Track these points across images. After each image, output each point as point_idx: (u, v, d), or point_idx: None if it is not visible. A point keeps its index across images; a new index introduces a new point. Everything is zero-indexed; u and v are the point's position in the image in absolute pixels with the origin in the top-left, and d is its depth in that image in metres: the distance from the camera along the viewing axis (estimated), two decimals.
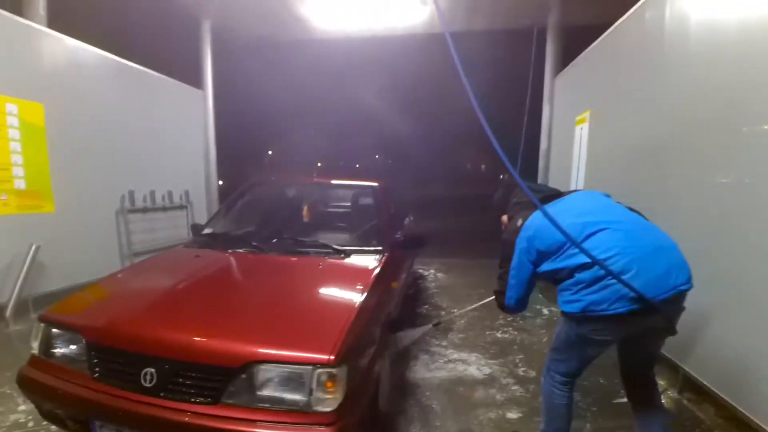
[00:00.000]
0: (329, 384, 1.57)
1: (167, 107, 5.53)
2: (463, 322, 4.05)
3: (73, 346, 1.85)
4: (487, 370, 3.12)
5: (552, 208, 1.79)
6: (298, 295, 2.10)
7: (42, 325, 1.91)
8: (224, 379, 1.59)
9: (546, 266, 1.82)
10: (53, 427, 2.09)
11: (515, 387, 2.89)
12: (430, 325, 3.07)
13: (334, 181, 3.48)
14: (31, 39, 3.84)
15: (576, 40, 5.34)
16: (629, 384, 2.02)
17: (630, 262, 1.60)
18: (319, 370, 1.56)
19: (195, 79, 6.10)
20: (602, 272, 1.60)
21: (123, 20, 5.85)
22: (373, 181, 3.41)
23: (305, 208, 3.32)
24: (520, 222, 1.93)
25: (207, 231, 3.03)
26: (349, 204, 3.53)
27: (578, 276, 1.69)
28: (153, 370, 1.63)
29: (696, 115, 2.58)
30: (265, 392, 1.59)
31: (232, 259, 2.55)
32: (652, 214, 2.85)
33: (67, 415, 1.79)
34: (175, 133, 5.68)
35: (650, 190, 3.01)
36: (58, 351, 1.88)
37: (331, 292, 2.15)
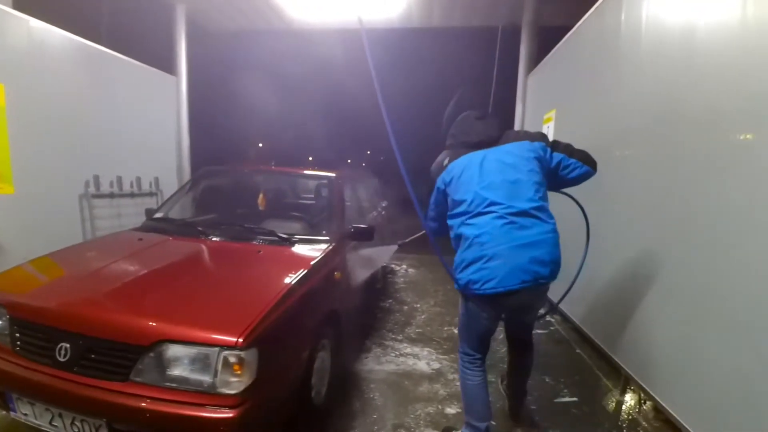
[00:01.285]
0: (236, 367, 1.61)
1: (137, 92, 5.51)
2: (423, 317, 4.09)
3: None
4: (436, 365, 3.16)
5: (473, 160, 1.96)
6: (226, 278, 2.14)
7: None
8: (134, 357, 1.63)
9: (448, 219, 2.05)
10: None
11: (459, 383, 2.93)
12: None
13: (289, 170, 3.50)
14: None
15: (554, 39, 5.40)
16: (510, 344, 2.41)
17: (500, 252, 1.82)
18: (226, 352, 1.60)
19: (170, 66, 6.10)
20: (480, 254, 1.84)
21: (94, 3, 5.84)
22: (330, 172, 3.44)
23: (260, 196, 3.34)
24: (446, 161, 2.04)
25: (158, 215, 3.06)
26: (302, 193, 3.56)
27: (462, 254, 1.94)
28: (68, 345, 1.68)
29: (644, 115, 2.63)
30: (174, 372, 1.63)
31: (173, 243, 2.58)
32: (603, 213, 2.92)
33: None
34: (145, 119, 5.67)
35: (603, 190, 3.02)
36: None
37: (261, 277, 2.19)
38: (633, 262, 2.74)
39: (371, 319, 3.93)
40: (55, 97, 4.43)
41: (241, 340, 1.60)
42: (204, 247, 2.53)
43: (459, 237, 1.97)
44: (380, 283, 4.94)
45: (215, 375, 1.60)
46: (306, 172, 3.47)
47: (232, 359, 1.60)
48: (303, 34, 5.91)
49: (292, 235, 2.68)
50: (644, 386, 2.50)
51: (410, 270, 5.97)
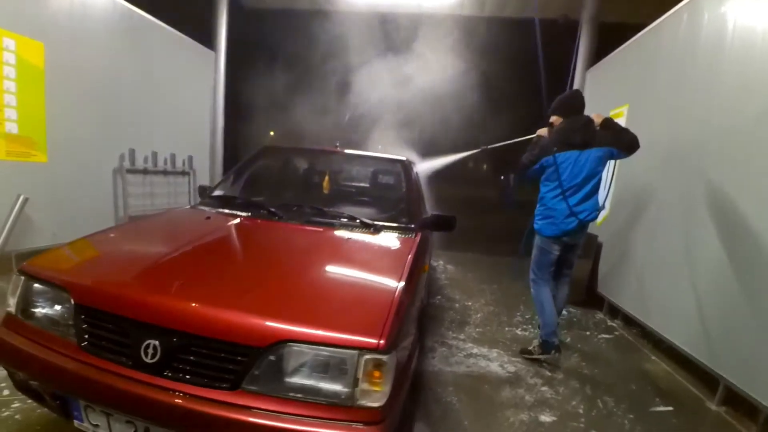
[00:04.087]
0: (377, 374, 1.24)
1: (177, 65, 5.07)
2: (479, 316, 3.73)
3: (57, 307, 1.49)
4: (511, 368, 2.82)
5: (570, 158, 2.79)
6: (331, 269, 1.75)
7: (21, 278, 1.54)
8: (248, 361, 1.24)
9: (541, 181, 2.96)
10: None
11: (544, 388, 2.60)
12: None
13: (357, 153, 3.10)
14: None
15: (608, 37, 5.09)
16: (555, 277, 3.09)
17: (563, 217, 2.82)
18: (367, 356, 1.23)
19: (207, 42, 5.65)
20: (553, 212, 2.85)
21: None
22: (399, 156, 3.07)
23: (326, 178, 2.95)
24: (555, 150, 2.82)
25: (217, 193, 2.66)
26: (373, 178, 3.17)
27: (542, 210, 2.93)
28: (156, 342, 1.28)
29: (735, 117, 2.50)
30: (297, 379, 1.26)
31: (249, 225, 2.18)
32: (687, 210, 2.95)
33: (44, 388, 1.43)
34: (182, 94, 5.23)
35: (679, 189, 3.05)
36: (39, 311, 1.51)
37: (368, 269, 1.80)
38: (723, 261, 2.53)
39: (424, 316, 3.57)
40: (95, 62, 4.00)
41: (382, 341, 1.23)
42: (286, 230, 2.13)
43: (543, 198, 2.93)
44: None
45: (355, 384, 1.23)
46: (376, 155, 3.08)
47: (374, 365, 1.23)
48: (348, 16, 5.45)
49: (375, 221, 2.29)
50: (754, 396, 2.22)
51: (449, 266, 5.58)
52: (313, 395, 1.24)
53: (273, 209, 2.29)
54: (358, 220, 2.25)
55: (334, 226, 2.22)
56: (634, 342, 3.46)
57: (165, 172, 4.94)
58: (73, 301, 1.41)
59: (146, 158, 4.64)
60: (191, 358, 1.28)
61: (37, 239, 3.65)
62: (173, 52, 5.02)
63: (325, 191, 2.94)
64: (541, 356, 2.91)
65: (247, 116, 5.92)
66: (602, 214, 4.07)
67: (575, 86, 5.05)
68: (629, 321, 3.69)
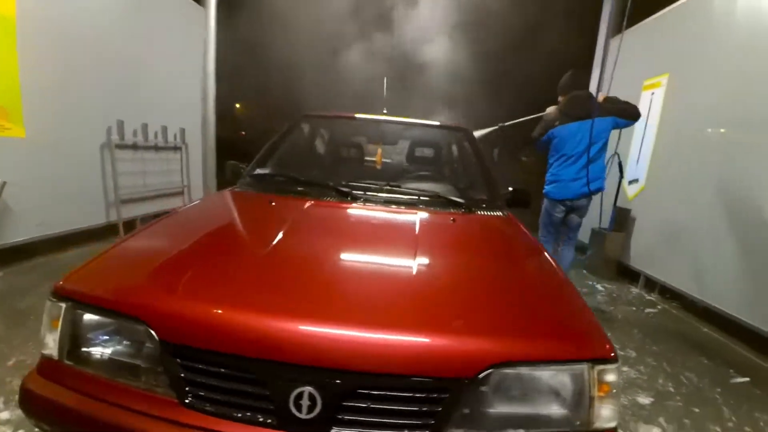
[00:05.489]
0: (607, 388, 0.96)
1: (163, 21, 4.34)
2: None
3: (128, 344, 1.01)
4: None
5: (572, 129, 3.00)
6: (479, 264, 1.41)
7: (62, 305, 1.02)
8: (451, 397, 0.90)
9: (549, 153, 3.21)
10: None
11: (625, 368, 2.47)
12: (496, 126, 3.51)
13: (411, 121, 2.67)
14: None
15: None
16: (562, 236, 3.34)
17: (568, 182, 3.04)
18: (599, 368, 0.94)
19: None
20: (559, 177, 3.08)
21: None
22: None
23: (378, 151, 2.56)
24: (557, 123, 3.06)
25: (260, 171, 2.19)
26: (435, 149, 2.79)
27: (550, 177, 3.16)
28: (311, 389, 0.89)
29: None
30: (515, 409, 0.94)
31: (332, 210, 1.78)
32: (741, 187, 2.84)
33: None
34: (173, 58, 4.52)
35: (726, 160, 2.96)
36: (99, 352, 1.02)
37: (517, 262, 1.48)
38: None
39: None
40: (75, 18, 3.30)
41: (608, 345, 0.97)
42: (380, 216, 1.76)
43: (551, 166, 3.17)
44: None
45: (590, 404, 0.93)
46: (434, 123, 2.69)
47: (604, 378, 0.95)
48: None
49: (466, 199, 1.95)
50: None
51: None
52: (539, 427, 0.95)
53: (344, 189, 1.90)
54: (446, 199, 1.91)
55: (417, 206, 1.86)
56: (678, 314, 3.41)
57: (156, 148, 4.30)
58: (158, 338, 0.94)
59: (135, 131, 3.99)
60: (366, 404, 0.90)
61: (18, 231, 3.04)
62: (162, 8, 4.30)
63: (378, 166, 2.56)
64: None
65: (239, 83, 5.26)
66: (635, 188, 3.95)
67: (599, 54, 4.83)
68: (665, 294, 3.66)
